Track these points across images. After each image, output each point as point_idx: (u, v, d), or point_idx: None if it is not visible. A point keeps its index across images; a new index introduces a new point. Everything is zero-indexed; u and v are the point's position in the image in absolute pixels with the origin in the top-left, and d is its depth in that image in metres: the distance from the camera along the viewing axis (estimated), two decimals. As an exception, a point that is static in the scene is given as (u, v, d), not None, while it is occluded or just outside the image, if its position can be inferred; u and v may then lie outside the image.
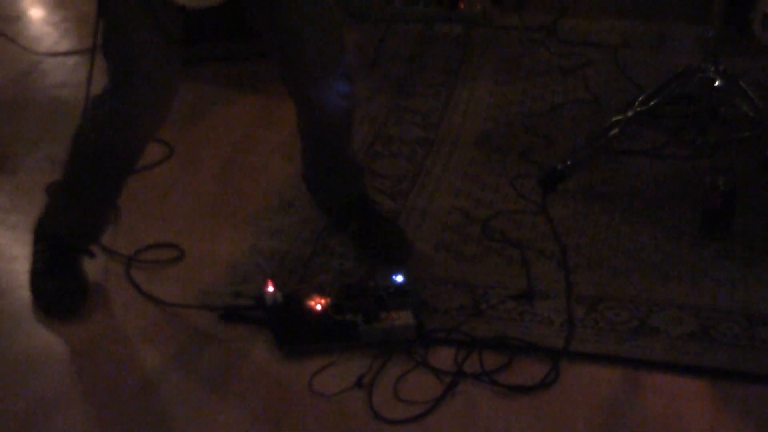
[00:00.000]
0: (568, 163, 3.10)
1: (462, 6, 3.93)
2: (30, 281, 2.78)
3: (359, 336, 2.59)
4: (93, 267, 2.82)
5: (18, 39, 3.82)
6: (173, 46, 2.46)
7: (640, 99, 3.24)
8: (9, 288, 2.82)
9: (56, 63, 3.70)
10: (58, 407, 2.47)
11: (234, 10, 2.53)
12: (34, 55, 3.74)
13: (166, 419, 2.46)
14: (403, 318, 2.60)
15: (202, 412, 2.46)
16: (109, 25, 2.44)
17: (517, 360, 2.56)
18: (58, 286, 2.75)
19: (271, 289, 2.66)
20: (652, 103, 3.21)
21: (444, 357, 2.57)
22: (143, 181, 3.11)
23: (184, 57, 2.56)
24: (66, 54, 3.73)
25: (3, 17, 3.94)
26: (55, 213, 2.77)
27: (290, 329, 2.62)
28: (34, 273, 2.78)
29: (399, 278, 2.70)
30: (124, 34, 2.43)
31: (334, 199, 2.96)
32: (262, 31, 2.63)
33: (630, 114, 3.20)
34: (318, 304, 2.63)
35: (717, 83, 3.12)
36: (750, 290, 2.75)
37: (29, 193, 3.05)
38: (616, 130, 3.17)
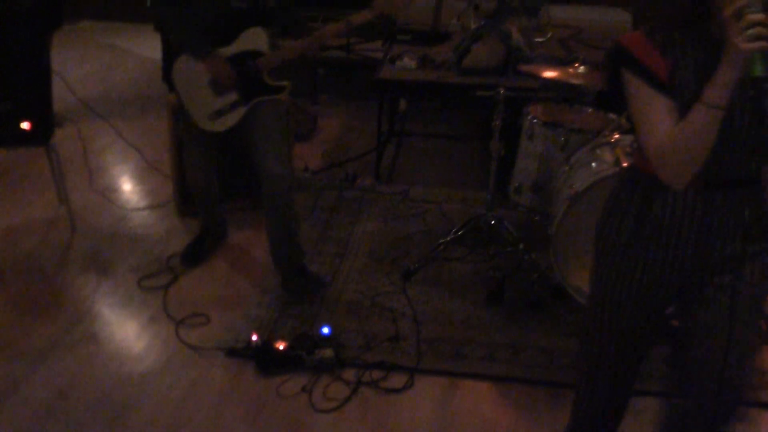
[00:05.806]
0: (416, 265, 3.08)
1: (358, 181, 3.94)
2: (185, 248, 3.14)
3: (304, 363, 2.50)
4: (152, 330, 2.67)
5: (115, 203, 3.68)
6: (214, 166, 2.99)
7: (453, 230, 3.24)
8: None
9: (138, 215, 3.57)
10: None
11: (251, 184, 2.95)
12: (125, 210, 3.61)
13: (196, 409, 2.33)
14: (328, 352, 2.52)
15: (215, 407, 2.35)
16: (188, 158, 2.99)
17: (390, 374, 2.50)
18: (193, 249, 3.13)
19: (255, 337, 2.58)
20: (460, 233, 3.21)
21: (351, 374, 2.50)
22: (189, 279, 2.99)
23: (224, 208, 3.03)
24: (143, 209, 3.60)
25: (109, 188, 3.80)
26: (201, 219, 3.19)
27: (266, 360, 2.52)
28: (187, 245, 3.15)
29: (326, 330, 2.63)
30: (196, 165, 2.97)
31: (288, 268, 2.90)
32: (245, 155, 2.84)
33: (449, 238, 3.19)
34: (281, 345, 2.54)
35: (492, 222, 3.15)
36: (515, 332, 2.73)
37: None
38: (441, 247, 3.17)
